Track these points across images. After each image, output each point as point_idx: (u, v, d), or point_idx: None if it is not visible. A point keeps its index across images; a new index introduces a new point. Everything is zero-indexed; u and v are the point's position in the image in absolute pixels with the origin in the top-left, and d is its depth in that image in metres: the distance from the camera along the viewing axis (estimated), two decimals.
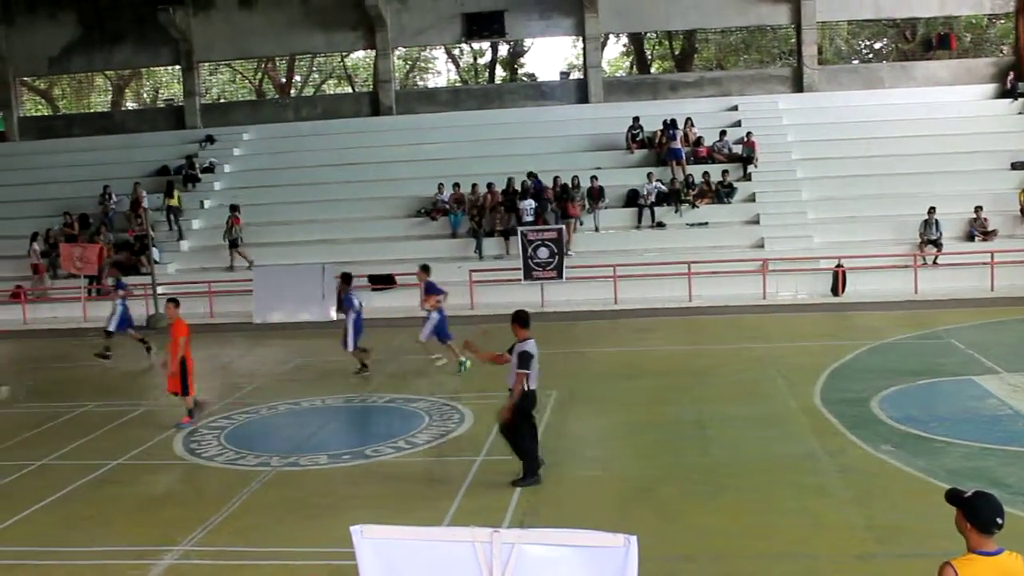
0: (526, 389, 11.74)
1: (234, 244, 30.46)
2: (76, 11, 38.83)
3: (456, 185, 30.96)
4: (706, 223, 29.52)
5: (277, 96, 45.57)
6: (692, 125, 32.90)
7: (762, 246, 28.31)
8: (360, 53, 44.62)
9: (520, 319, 12.16)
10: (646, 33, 44.99)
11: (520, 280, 26.94)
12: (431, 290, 20.10)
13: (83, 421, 16.60)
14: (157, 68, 44.88)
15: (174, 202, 32.54)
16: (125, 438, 15.29)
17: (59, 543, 10.78)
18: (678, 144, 31.64)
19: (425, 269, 20.62)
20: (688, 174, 30.66)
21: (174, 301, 16.27)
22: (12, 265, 31.50)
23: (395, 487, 12.25)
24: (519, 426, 11.90)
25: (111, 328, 22.72)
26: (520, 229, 27.48)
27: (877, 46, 50.41)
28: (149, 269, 28.61)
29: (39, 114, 46.02)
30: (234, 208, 30.99)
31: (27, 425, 16.45)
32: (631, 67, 49.98)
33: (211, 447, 14.44)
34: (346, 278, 20.59)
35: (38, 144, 39.23)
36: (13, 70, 39.75)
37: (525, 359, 11.68)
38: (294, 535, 10.65)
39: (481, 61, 50.11)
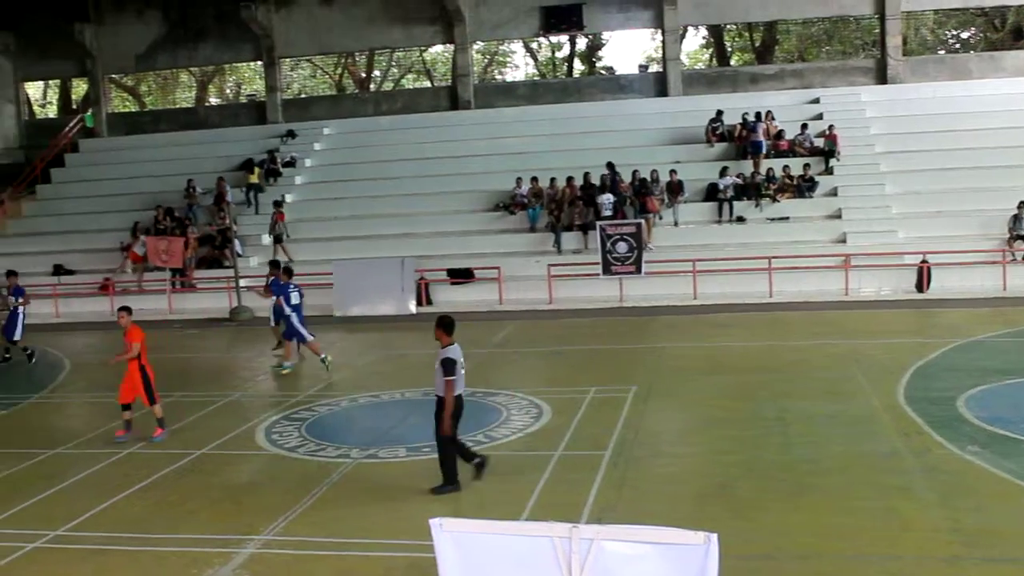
0: (459, 394, 11.67)
1: (278, 239, 31.05)
2: (162, 9, 39.63)
3: (534, 179, 30.97)
4: (787, 218, 29.15)
5: (357, 91, 46.02)
6: (772, 118, 32.50)
7: (844, 241, 27.87)
8: (439, 47, 44.92)
9: (444, 324, 11.89)
10: (726, 25, 44.56)
11: (599, 275, 26.88)
12: (275, 289, 20.28)
13: (171, 410, 16.89)
14: (240, 64, 45.73)
15: (254, 179, 33.28)
16: (209, 428, 15.59)
17: (146, 530, 11.02)
18: (759, 137, 31.28)
19: (274, 265, 21.16)
20: (769, 168, 30.30)
21: (126, 308, 15.76)
22: (100, 258, 32.27)
23: (473, 481, 12.29)
24: (453, 432, 11.74)
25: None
26: (599, 223, 27.40)
27: (964, 35, 49.34)
28: (232, 262, 29.08)
29: (126, 110, 47.03)
30: (277, 204, 31.71)
31: (116, 414, 16.82)
32: (710, 59, 49.55)
33: (292, 438, 14.63)
34: (287, 271, 20.82)
35: (125, 140, 40.14)
36: (102, 68, 40.68)
37: (449, 366, 11.48)
38: (373, 527, 10.75)
39: (559, 55, 50.06)
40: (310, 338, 19.88)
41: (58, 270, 32.17)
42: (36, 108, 48.73)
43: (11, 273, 24.35)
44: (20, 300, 23.12)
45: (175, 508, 11.79)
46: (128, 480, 12.88)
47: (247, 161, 35.38)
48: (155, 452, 14.28)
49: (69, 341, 25.93)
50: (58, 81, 48.18)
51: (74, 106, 47.35)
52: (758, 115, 31.87)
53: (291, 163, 35.66)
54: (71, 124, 41.04)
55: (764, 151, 30.95)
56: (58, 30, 39.64)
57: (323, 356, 19.67)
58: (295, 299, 19.94)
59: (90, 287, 31.14)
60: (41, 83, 49.43)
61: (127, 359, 15.09)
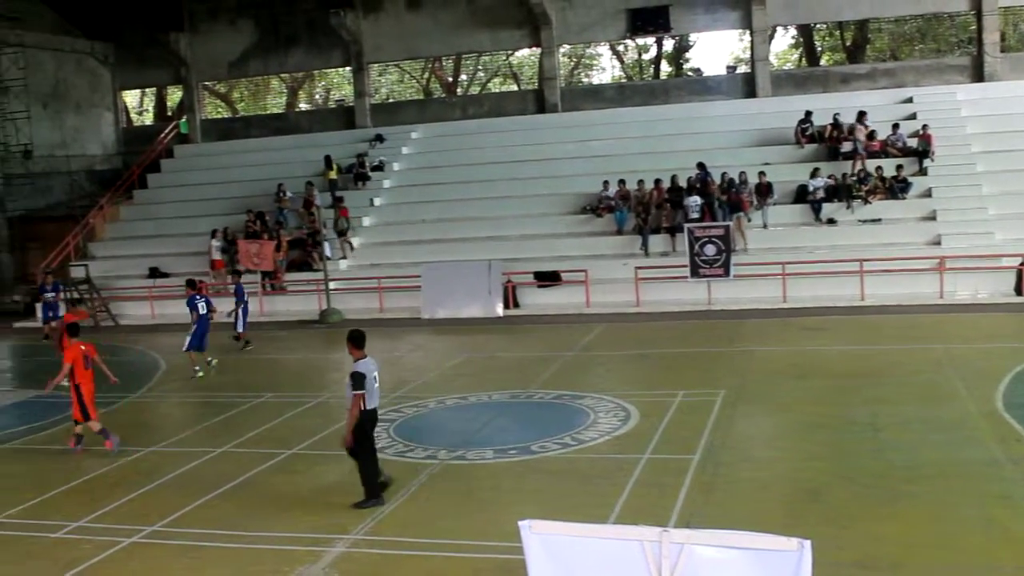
0: (364, 408, 11.59)
1: (342, 233, 31.87)
2: (254, 17, 40.36)
3: (622, 182, 30.84)
4: (879, 219, 28.58)
5: (444, 95, 46.30)
6: (864, 118, 31.90)
7: (939, 243, 27.23)
8: (525, 51, 44.95)
9: (354, 339, 11.92)
10: (815, 24, 43.85)
11: (686, 278, 26.66)
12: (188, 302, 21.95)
13: (260, 411, 17.24)
14: (329, 70, 46.29)
15: (333, 175, 33.75)
16: (299, 428, 15.82)
17: (237, 527, 11.22)
18: (852, 138, 30.73)
19: (190, 284, 22.75)
20: (860, 169, 29.75)
21: (72, 327, 16.15)
22: (192, 262, 32.93)
23: (560, 483, 12.28)
24: (362, 447, 11.75)
25: None
26: (687, 226, 27.19)
27: None
28: (321, 265, 29.46)
29: (219, 116, 47.98)
30: (339, 199, 32.63)
31: (209, 414, 17.22)
32: (800, 59, 48.83)
33: (381, 439, 14.71)
34: (190, 283, 22.83)
35: (218, 145, 40.94)
36: (196, 75, 41.58)
37: (358, 380, 11.49)
38: (461, 528, 10.80)
39: (646, 57, 49.78)
40: (191, 350, 21.19)
41: (153, 272, 32.91)
42: (133, 116, 49.94)
43: (235, 273, 27.23)
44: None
45: (266, 506, 11.98)
46: (220, 478, 13.13)
47: (326, 158, 35.62)
48: (247, 451, 14.54)
49: (164, 342, 26.52)
50: (154, 89, 49.35)
51: (169, 113, 48.47)
52: (860, 115, 31.23)
53: (379, 167, 36.02)
54: (166, 131, 42.00)
55: (856, 152, 30.36)
56: (154, 40, 40.64)
57: (197, 369, 20.96)
58: (201, 309, 21.59)
59: (184, 289, 31.73)
60: (138, 91, 50.62)
61: (56, 383, 15.34)
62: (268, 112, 46.92)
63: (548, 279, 28.57)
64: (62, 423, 17.16)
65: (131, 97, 49.42)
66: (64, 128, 39.53)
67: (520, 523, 5.21)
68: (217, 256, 31.89)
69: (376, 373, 11.85)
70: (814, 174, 29.53)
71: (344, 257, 31.97)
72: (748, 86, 36.28)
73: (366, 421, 11.74)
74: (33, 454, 15.61)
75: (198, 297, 21.82)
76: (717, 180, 29.81)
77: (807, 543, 4.73)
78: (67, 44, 40.38)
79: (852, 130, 31.03)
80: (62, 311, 27.24)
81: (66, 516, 11.96)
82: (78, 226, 35.83)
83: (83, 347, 15.48)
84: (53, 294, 28.89)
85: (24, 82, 36.39)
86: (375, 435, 12.15)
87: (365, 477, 11.75)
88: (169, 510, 11.91)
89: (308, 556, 10.24)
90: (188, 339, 21.28)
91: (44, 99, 38.89)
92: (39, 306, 29.74)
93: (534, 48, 40.11)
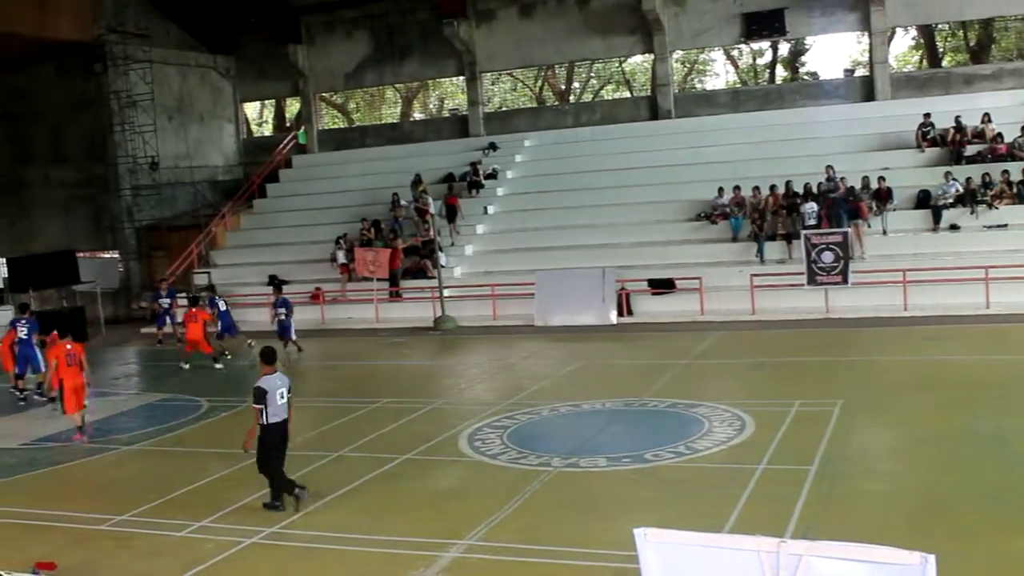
0: (266, 423, 12.22)
1: (451, 219, 33.23)
2: (369, 29, 41.06)
3: (736, 188, 30.46)
4: (1005, 225, 27.64)
5: (557, 103, 46.37)
6: (989, 121, 30.92)
7: None
8: (638, 57, 44.69)
9: (264, 356, 12.64)
10: (937, 25, 42.64)
11: (803, 285, 26.17)
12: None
13: (376, 416, 17.49)
14: (442, 79, 46.74)
15: (422, 188, 34.46)
16: (414, 434, 15.99)
17: (354, 530, 11.40)
18: (976, 142, 29.82)
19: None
20: (985, 173, 28.84)
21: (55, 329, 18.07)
22: (311, 268, 33.61)
23: (674, 492, 12.18)
24: (267, 458, 12.39)
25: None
26: (803, 232, 26.70)
27: None
28: (435, 273, 29.77)
29: (335, 127, 48.86)
30: (451, 187, 34.41)
31: (328, 418, 17.53)
32: (920, 61, 47.56)
33: (495, 446, 14.84)
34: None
35: (334, 155, 41.73)
36: (313, 87, 42.47)
37: (257, 395, 12.21)
38: (575, 535, 10.77)
39: (761, 61, 49.03)
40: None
41: (272, 280, 33.65)
42: (253, 127, 51.15)
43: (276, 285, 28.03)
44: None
45: (381, 510, 12.15)
46: (337, 482, 13.36)
47: (448, 175, 36.12)
48: (362, 456, 14.76)
49: (283, 347, 27.03)
50: (273, 101, 50.53)
51: (288, 124, 49.55)
52: (986, 117, 30.31)
53: (493, 175, 36.26)
54: (285, 141, 42.98)
55: (981, 156, 29.46)
56: (273, 53, 41.68)
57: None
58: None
59: (302, 296, 32.46)
60: (258, 103, 51.83)
61: (51, 377, 17.67)
62: (383, 122, 47.59)
63: (662, 286, 28.35)
64: (188, 425, 17.72)
65: (251, 109, 50.65)
66: (188, 140, 40.75)
67: (635, 531, 5.19)
68: (343, 261, 32.43)
69: (283, 390, 12.42)
70: (946, 178, 28.70)
71: (453, 244, 32.87)
72: (866, 89, 35.48)
73: (269, 435, 12.35)
74: (160, 455, 16.12)
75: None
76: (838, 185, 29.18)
77: (931, 558, 4.61)
78: (192, 59, 41.68)
79: (977, 133, 30.08)
80: (178, 318, 28.06)
81: (190, 515, 12.33)
82: (201, 235, 36.93)
83: (69, 346, 17.11)
84: (168, 300, 29.66)
85: (151, 96, 37.68)
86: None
87: (271, 483, 12.45)
88: (288, 512, 12.17)
89: (422, 560, 10.35)
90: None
91: (169, 112, 40.18)
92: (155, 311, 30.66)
93: (647, 55, 39.89)
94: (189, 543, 11.47)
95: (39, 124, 40.33)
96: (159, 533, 11.85)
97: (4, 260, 34.83)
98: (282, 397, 12.40)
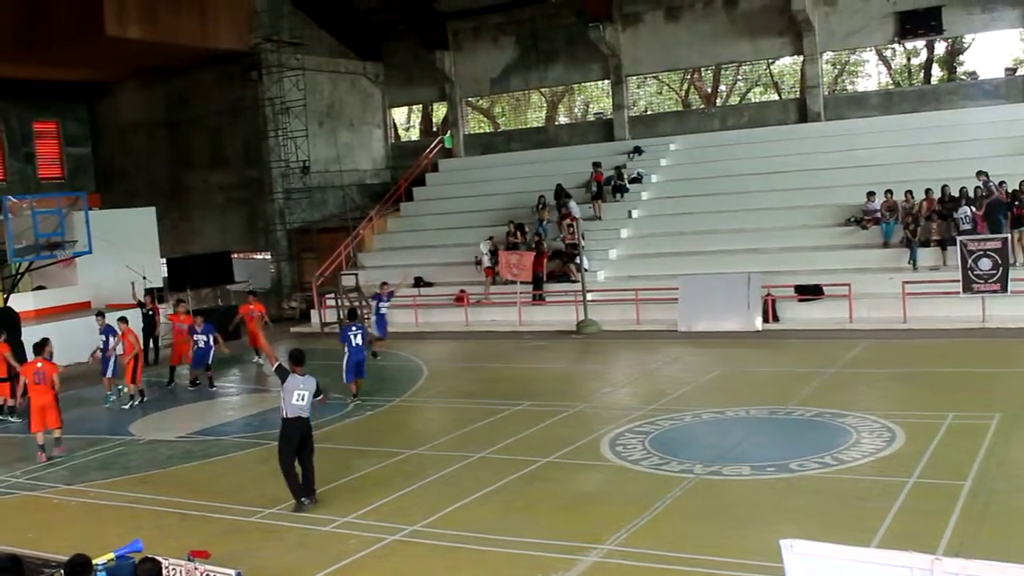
0: (285, 417, 12.87)
1: (598, 195, 34.43)
2: (514, 35, 41.34)
3: (888, 192, 29.55)
4: None
5: (703, 106, 45.87)
6: None
7: None
8: (786, 59, 43.84)
9: (292, 357, 13.15)
10: None
11: (958, 293, 25.22)
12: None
13: (519, 418, 17.57)
14: (588, 83, 46.71)
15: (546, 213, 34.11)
16: (555, 437, 16.01)
17: (494, 531, 11.48)
18: None
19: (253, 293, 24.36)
20: None
21: (36, 345, 18.24)
22: (456, 271, 34.01)
23: (820, 503, 11.89)
24: (281, 452, 12.99)
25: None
26: (959, 238, 25.73)
27: None
28: (579, 277, 29.76)
29: (481, 131, 49.37)
30: (596, 165, 35.41)
31: (471, 419, 17.72)
32: None
33: (636, 451, 14.75)
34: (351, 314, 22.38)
35: (480, 159, 42.15)
36: (460, 92, 43.00)
37: (280, 372, 12.95)
38: (717, 544, 10.62)
39: (915, 61, 47.55)
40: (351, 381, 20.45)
41: (418, 282, 34.16)
42: (401, 132, 52.05)
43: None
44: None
45: (521, 512, 12.20)
46: (478, 483, 13.49)
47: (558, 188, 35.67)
48: (504, 458, 14.85)
49: (427, 349, 27.51)
50: (420, 106, 51.37)
51: (434, 128, 50.31)
52: None
53: (638, 179, 36.05)
54: (432, 146, 43.66)
55: None
56: (421, 59, 42.41)
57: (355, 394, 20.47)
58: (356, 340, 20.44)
59: (446, 298, 32.86)
60: (405, 108, 52.73)
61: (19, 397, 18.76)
62: (528, 126, 47.87)
63: (809, 293, 27.70)
64: (332, 423, 18.12)
65: (399, 114, 51.52)
66: (338, 144, 41.75)
67: (782, 542, 5.08)
68: (488, 264, 32.69)
69: (304, 392, 12.86)
70: None
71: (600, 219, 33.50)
72: None
73: (286, 429, 12.93)
74: None
75: (354, 328, 20.70)
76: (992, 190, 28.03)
77: None
78: (342, 65, 42.69)
79: None
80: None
81: (335, 511, 12.64)
82: (349, 237, 37.78)
83: (39, 364, 17.57)
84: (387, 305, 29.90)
85: (304, 102, 38.77)
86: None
87: (287, 481, 12.93)
88: (430, 511, 12.34)
89: (561, 563, 10.35)
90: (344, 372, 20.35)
91: (320, 118, 41.23)
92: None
93: (796, 56, 39.10)
94: (334, 537, 11.76)
95: (199, 131, 41.90)
96: (306, 527, 12.18)
97: (164, 260, 36.29)
98: (302, 399, 12.88)
